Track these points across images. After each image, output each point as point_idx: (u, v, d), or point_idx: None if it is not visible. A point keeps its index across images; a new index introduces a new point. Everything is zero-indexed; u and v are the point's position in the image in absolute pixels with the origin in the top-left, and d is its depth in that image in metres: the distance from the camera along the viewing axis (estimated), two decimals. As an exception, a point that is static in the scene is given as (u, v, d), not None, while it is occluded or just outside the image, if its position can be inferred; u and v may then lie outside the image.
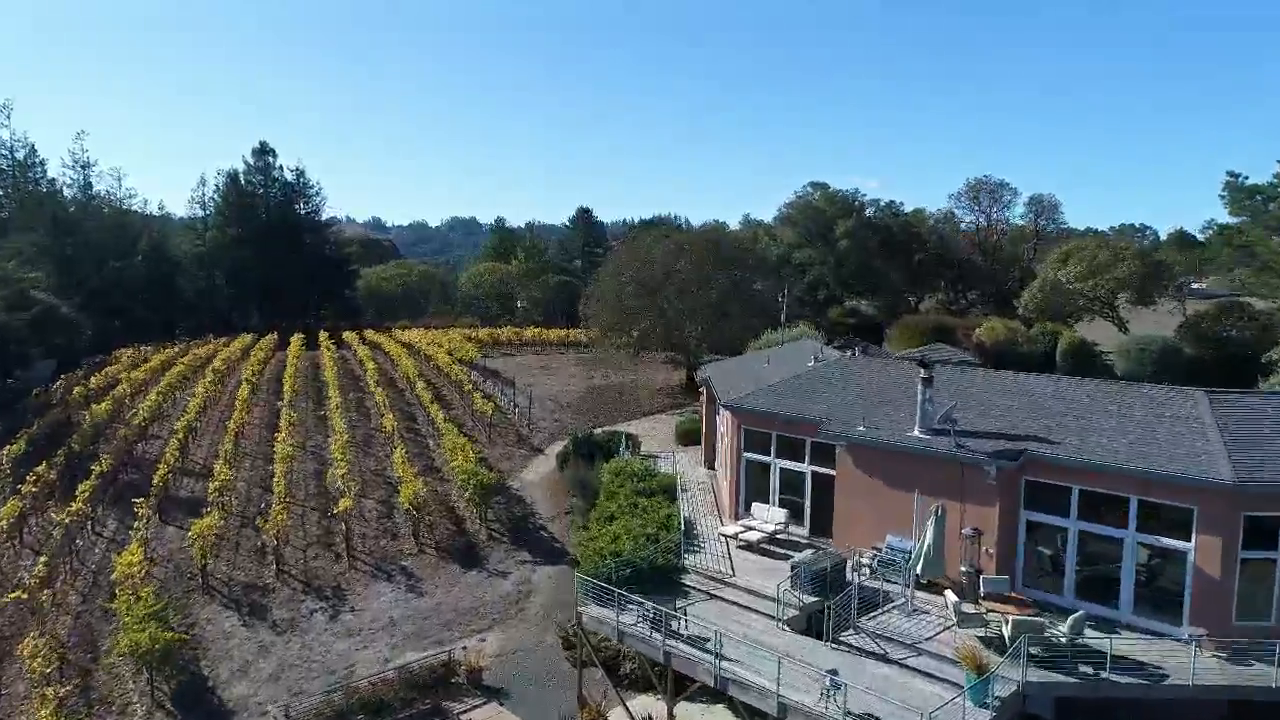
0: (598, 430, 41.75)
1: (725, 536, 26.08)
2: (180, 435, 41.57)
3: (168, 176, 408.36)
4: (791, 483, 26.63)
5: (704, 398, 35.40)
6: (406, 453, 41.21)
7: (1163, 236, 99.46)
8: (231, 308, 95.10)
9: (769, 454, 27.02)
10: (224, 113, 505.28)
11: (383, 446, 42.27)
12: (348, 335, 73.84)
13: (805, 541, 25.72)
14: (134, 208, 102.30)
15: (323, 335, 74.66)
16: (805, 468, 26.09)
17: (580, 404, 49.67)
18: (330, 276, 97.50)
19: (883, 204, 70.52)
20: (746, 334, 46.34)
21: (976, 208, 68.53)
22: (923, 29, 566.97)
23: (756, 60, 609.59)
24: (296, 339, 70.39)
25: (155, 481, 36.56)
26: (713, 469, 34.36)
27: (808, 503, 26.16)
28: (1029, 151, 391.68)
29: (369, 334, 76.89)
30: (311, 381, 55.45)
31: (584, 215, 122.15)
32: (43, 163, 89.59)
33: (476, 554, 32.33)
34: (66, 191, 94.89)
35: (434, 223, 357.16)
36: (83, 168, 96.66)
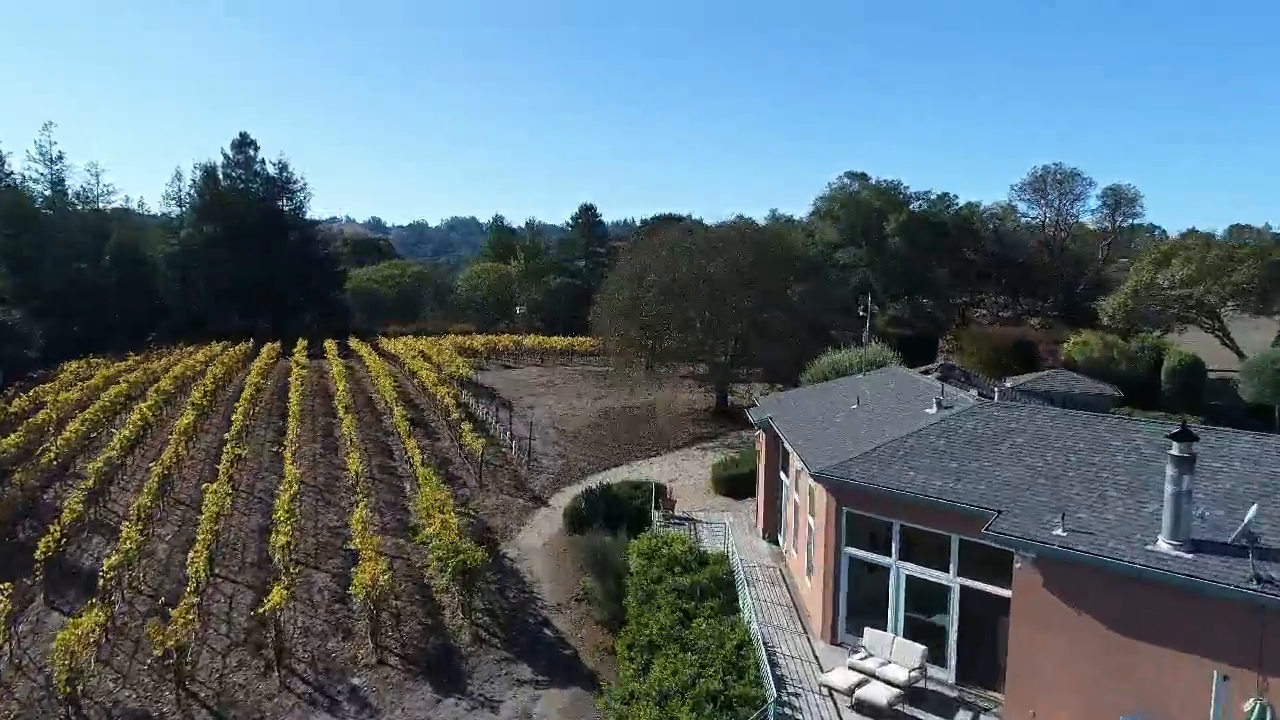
0: (615, 478, 32.37)
1: (831, 691, 16.57)
2: (93, 480, 32.12)
3: (165, 176, 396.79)
4: (924, 596, 17.23)
5: (761, 446, 25.88)
6: (377, 502, 31.82)
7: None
8: (209, 312, 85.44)
9: (887, 553, 17.62)
10: (222, 112, 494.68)
11: (348, 494, 32.86)
12: (328, 344, 64.32)
13: (952, 695, 16.31)
14: (112, 205, 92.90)
15: (300, 344, 65.17)
16: (951, 580, 16.68)
17: (590, 433, 40.21)
18: (316, 277, 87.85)
19: (933, 196, 61.35)
20: (798, 352, 36.89)
21: (1041, 201, 58.89)
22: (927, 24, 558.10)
23: (760, 56, 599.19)
24: (268, 349, 60.81)
25: (42, 547, 26.98)
26: (776, 543, 24.95)
27: (953, 631, 16.75)
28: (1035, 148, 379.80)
29: (354, 342, 67.35)
30: (277, 403, 45.98)
31: (587, 213, 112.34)
32: (3, 157, 79.84)
33: (456, 666, 22.79)
34: (34, 187, 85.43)
35: (434, 223, 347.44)
36: (50, 162, 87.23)
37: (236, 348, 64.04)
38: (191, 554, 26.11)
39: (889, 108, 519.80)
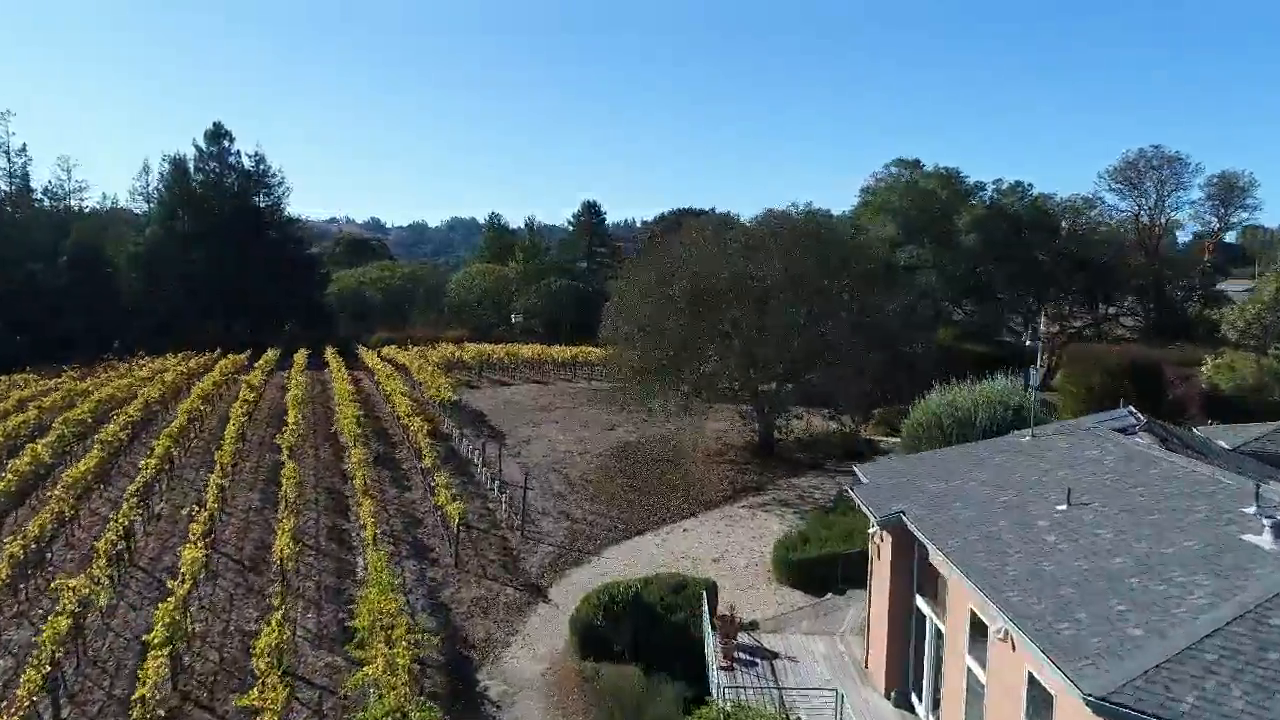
0: (639, 555, 23.01)
1: None
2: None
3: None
4: None
5: (883, 551, 16.16)
6: (317, 589, 22.54)
7: None
8: (179, 318, 75.88)
9: None
10: (221, 113, 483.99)
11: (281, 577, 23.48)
12: (298, 356, 54.84)
13: None
14: (85, 203, 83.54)
15: (267, 357, 55.66)
16: None
17: (602, 480, 30.77)
18: (296, 280, 78.34)
19: (1005, 185, 51.54)
20: (872, 380, 27.58)
21: (1132, 192, 49.04)
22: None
23: (760, 58, 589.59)
24: (225, 362, 51.23)
25: None
26: (910, 710, 15.55)
27: None
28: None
29: (330, 353, 57.87)
30: (219, 434, 36.50)
31: (590, 210, 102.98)
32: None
33: None
34: (-6, 182, 76.42)
35: (434, 223, 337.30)
36: (5, 154, 78.02)
37: (192, 362, 54.55)
38: (21, 684, 16.69)
39: (888, 107, 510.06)
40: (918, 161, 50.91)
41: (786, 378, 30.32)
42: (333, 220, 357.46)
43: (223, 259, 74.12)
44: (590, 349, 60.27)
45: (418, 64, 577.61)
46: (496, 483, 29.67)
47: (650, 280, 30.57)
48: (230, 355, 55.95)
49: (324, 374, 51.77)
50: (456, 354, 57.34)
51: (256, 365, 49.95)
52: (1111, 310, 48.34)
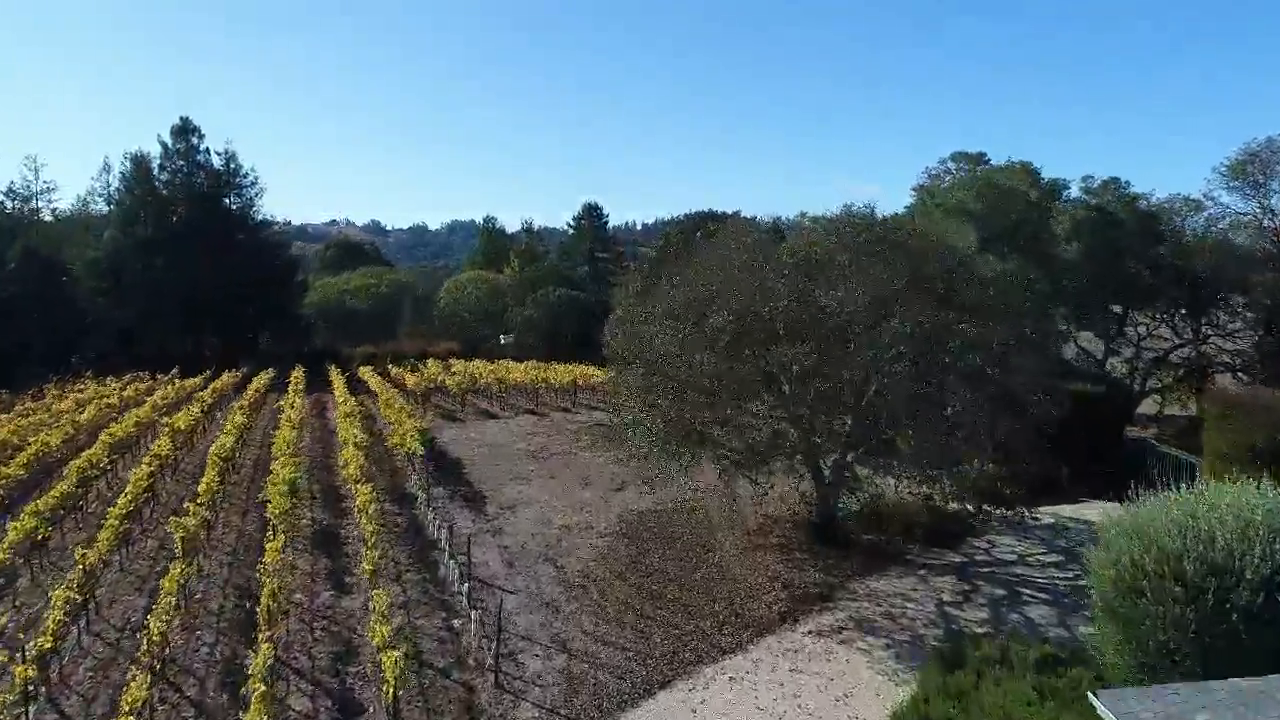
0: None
1: None
2: None
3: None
4: None
5: None
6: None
7: None
8: (141, 332, 67.44)
9: None
10: (217, 111, 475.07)
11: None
12: (258, 380, 46.44)
13: None
14: (54, 204, 75.16)
15: (218, 384, 47.24)
16: None
17: (609, 579, 22.19)
18: (270, 289, 69.85)
19: (1096, 183, 42.52)
20: (998, 447, 18.97)
21: (1256, 192, 39.88)
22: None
23: (764, 55, 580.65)
24: (151, 402, 42.70)
25: None
26: None
27: None
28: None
29: (296, 374, 49.40)
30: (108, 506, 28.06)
31: (591, 213, 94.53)
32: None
33: None
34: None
35: (434, 225, 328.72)
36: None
37: (130, 389, 46.13)
38: None
39: (887, 109, 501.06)
40: (982, 155, 42.32)
41: (860, 440, 21.80)
42: (333, 222, 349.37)
43: (188, 266, 65.73)
44: (591, 370, 51.95)
45: (417, 65, 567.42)
46: (467, 585, 21.19)
47: (673, 306, 21.90)
48: (173, 381, 47.50)
49: (279, 399, 43.34)
50: (440, 378, 48.89)
51: (200, 395, 41.42)
52: (1209, 332, 39.74)
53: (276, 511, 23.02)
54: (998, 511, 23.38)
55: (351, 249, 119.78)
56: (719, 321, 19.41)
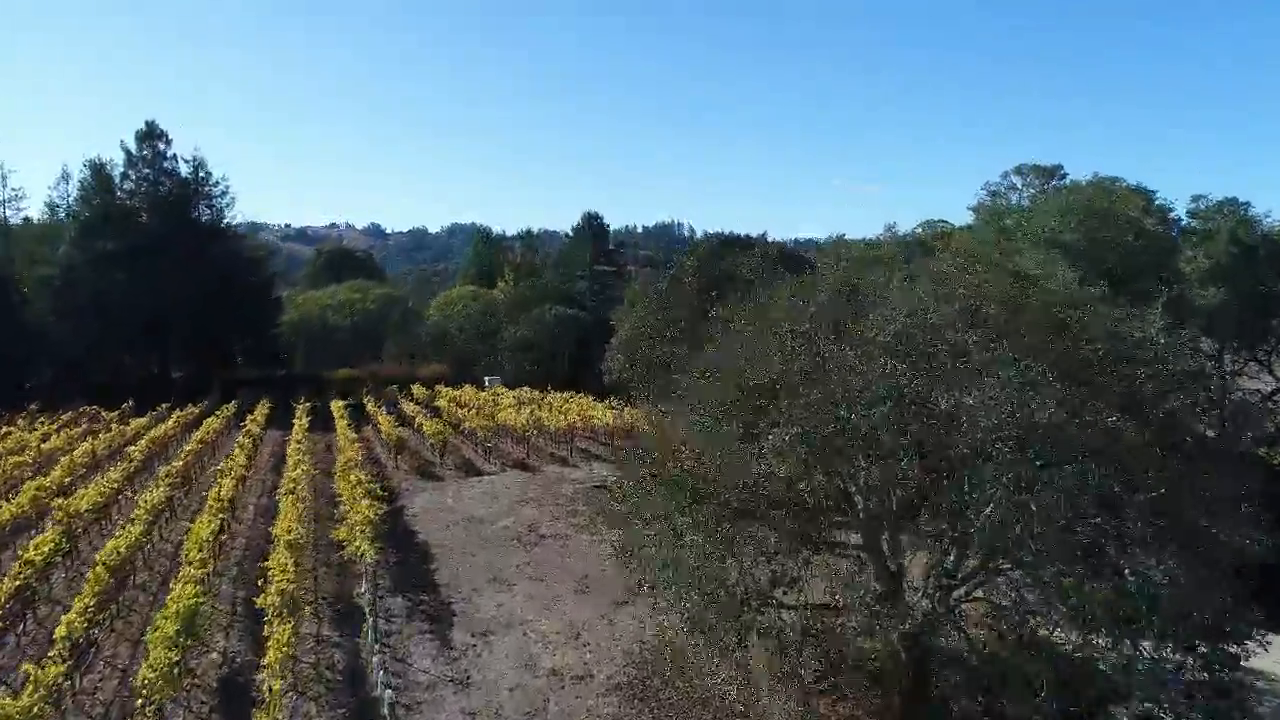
0: None
1: None
2: None
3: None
4: None
5: None
6: None
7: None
8: (102, 356, 60.74)
9: None
10: (214, 113, 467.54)
11: None
12: (208, 425, 39.75)
13: None
14: (22, 213, 68.39)
15: (164, 428, 40.53)
16: None
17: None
18: (243, 308, 63.06)
19: (1209, 203, 35.47)
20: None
21: None
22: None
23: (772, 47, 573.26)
24: (84, 446, 35.96)
25: None
26: None
27: None
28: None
29: (255, 417, 42.85)
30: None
31: (592, 223, 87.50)
32: None
33: None
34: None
35: (434, 228, 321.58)
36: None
37: (65, 433, 39.37)
38: None
39: (886, 104, 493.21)
40: (1058, 169, 34.83)
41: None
42: (333, 225, 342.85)
43: (152, 283, 59.21)
44: (589, 406, 45.35)
45: (418, 66, 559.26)
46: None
47: (709, 397, 14.92)
48: (114, 425, 40.72)
49: (227, 458, 36.56)
50: (418, 419, 42.16)
51: (130, 452, 34.54)
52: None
53: (154, 670, 16.25)
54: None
55: (344, 257, 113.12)
56: (781, 442, 12.55)
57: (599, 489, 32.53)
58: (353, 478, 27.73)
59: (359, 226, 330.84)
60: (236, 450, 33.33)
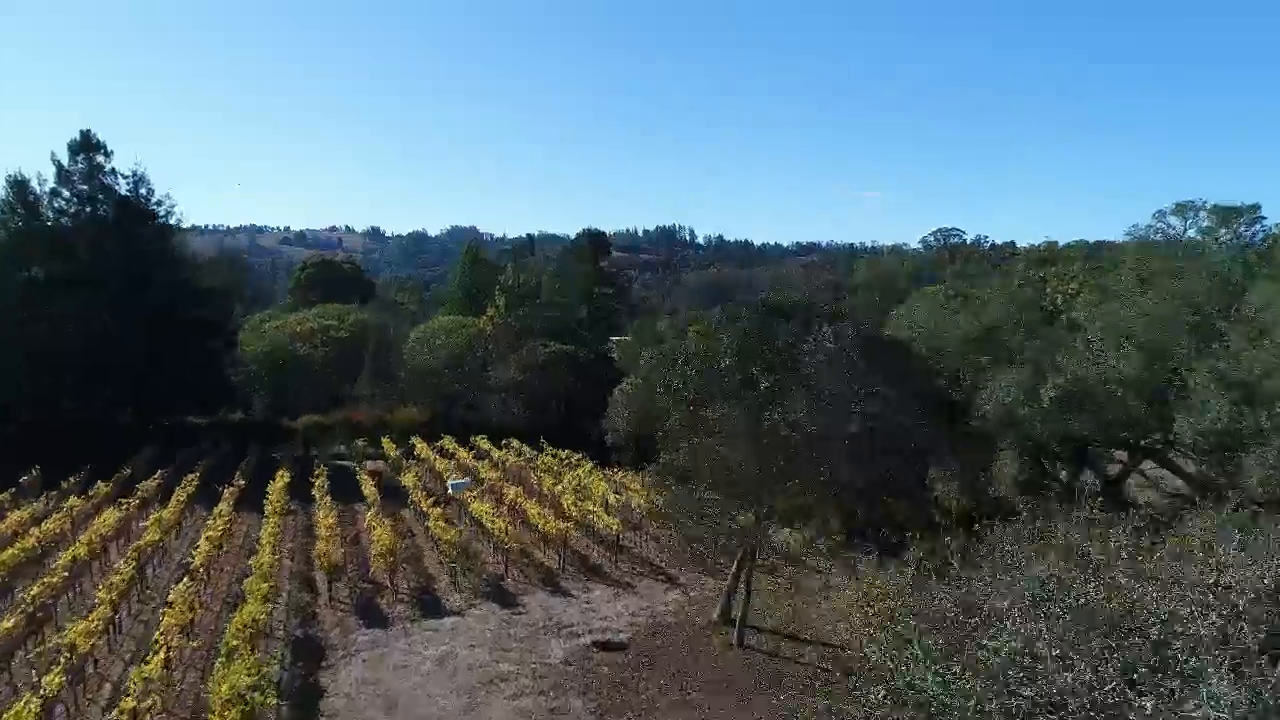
0: None
1: None
2: None
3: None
4: None
5: None
6: None
7: None
8: (17, 402, 51.29)
9: None
10: (210, 112, 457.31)
11: None
12: (109, 515, 30.36)
13: None
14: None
15: (55, 519, 31.10)
16: None
17: None
18: (188, 347, 53.63)
19: None
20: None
21: None
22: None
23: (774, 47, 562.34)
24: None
25: None
26: None
27: None
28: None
29: (181, 497, 33.73)
30: None
31: (593, 241, 77.87)
32: None
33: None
34: None
35: (434, 231, 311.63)
36: None
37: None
38: None
39: (887, 108, 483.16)
40: (1254, 209, 24.30)
41: None
42: (333, 229, 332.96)
43: (87, 318, 50.18)
44: (589, 482, 36.21)
45: (417, 67, 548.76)
46: None
47: None
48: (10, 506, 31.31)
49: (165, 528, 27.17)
50: (368, 519, 32.86)
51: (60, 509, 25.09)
52: None
53: None
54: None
55: (329, 270, 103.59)
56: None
57: (603, 649, 23.33)
58: (253, 625, 18.28)
59: (358, 230, 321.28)
60: (125, 565, 23.81)
